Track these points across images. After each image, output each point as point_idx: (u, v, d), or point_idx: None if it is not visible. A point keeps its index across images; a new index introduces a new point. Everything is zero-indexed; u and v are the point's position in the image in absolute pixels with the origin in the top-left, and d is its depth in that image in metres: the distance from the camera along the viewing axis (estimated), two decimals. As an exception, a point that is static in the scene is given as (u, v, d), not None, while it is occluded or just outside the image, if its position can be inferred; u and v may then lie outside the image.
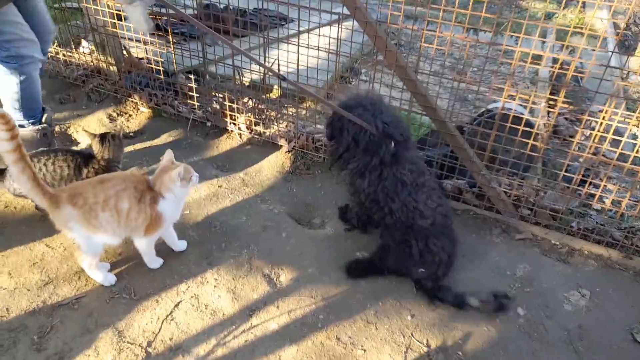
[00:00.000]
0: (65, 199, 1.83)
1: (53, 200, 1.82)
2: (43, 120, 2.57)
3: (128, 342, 1.84)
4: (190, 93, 3.09)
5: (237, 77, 3.07)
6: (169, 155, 1.98)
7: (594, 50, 4.07)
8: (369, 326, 1.96)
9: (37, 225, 2.28)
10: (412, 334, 1.94)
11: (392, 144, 1.99)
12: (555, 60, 3.88)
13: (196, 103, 3.09)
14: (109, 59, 3.28)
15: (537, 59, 3.86)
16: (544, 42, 4.57)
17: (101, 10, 3.00)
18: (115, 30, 3.08)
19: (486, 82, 3.43)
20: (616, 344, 1.94)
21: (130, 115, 3.20)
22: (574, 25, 4.78)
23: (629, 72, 1.99)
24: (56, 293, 2.01)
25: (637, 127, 2.86)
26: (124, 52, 3.30)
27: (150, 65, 3.20)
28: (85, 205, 1.84)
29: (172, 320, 1.93)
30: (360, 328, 1.95)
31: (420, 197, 2.04)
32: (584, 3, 5.88)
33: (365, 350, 1.86)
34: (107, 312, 1.94)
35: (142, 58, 3.40)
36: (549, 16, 5.42)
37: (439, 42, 4.06)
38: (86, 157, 2.27)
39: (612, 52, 2.08)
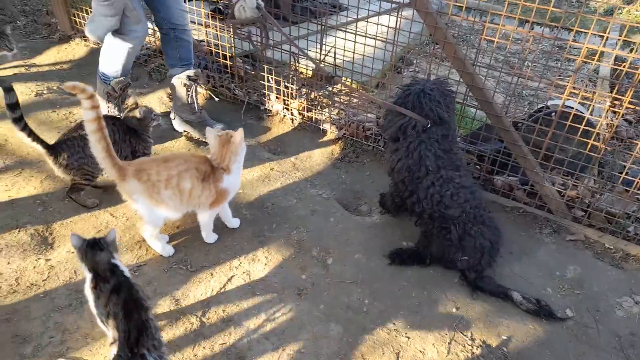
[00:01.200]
0: (132, 173, 1.95)
1: (121, 173, 1.94)
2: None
3: (184, 311, 1.95)
4: (246, 76, 3.16)
5: (292, 63, 3.12)
6: (240, 134, 2.05)
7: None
8: (414, 315, 1.99)
9: (103, 196, 2.43)
10: (456, 326, 1.95)
11: (422, 124, 2.06)
12: (619, 59, 3.71)
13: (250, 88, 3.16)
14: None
15: (597, 56, 3.71)
16: (606, 40, 4.36)
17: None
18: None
19: (547, 78, 3.33)
20: (669, 354, 1.89)
21: (187, 96, 3.32)
22: (637, 21, 4.53)
23: None
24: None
25: None
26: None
27: (210, 48, 3.30)
28: (149, 181, 1.95)
29: (225, 293, 2.03)
30: (404, 315, 1.98)
31: (445, 190, 2.05)
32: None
33: (409, 338, 1.90)
34: (165, 281, 2.06)
35: (202, 40, 3.50)
36: (610, 11, 5.17)
37: (500, 36, 3.98)
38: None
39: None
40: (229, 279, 2.09)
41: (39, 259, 2.13)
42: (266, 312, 1.96)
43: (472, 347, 1.87)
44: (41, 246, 2.19)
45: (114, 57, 2.65)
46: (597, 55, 2.07)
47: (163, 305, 1.96)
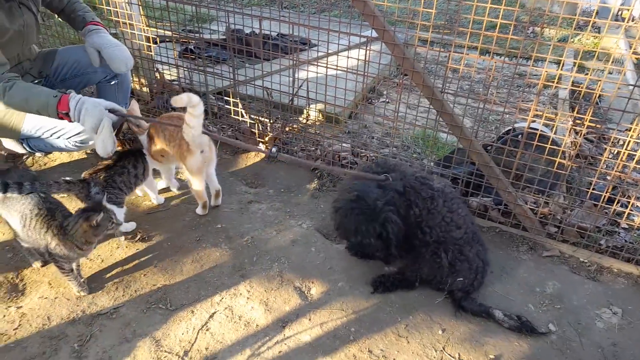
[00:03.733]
0: None
1: None
2: None
3: (165, 351, 1.88)
4: (220, 113, 3.19)
5: (266, 97, 3.17)
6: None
7: (610, 73, 4.11)
8: (401, 340, 1.97)
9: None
10: (443, 348, 1.95)
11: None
12: (575, 82, 3.93)
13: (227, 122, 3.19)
14: (142, 80, 3.42)
15: (556, 80, 3.91)
16: (562, 65, 4.63)
17: (137, 34, 3.15)
18: (149, 53, 3.22)
19: (511, 103, 3.48)
20: (651, 362, 1.93)
21: (161, 134, 3.31)
22: (589, 48, 4.83)
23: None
24: (95, 303, 2.07)
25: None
26: (156, 74, 3.44)
27: (181, 87, 3.33)
28: None
29: (207, 330, 1.97)
30: (391, 341, 1.96)
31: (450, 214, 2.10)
32: (598, 28, 5.96)
33: (397, 364, 1.88)
34: (145, 322, 1.99)
35: (174, 80, 3.53)
36: (564, 40, 5.49)
37: (464, 66, 4.16)
38: None
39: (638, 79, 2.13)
40: (211, 316, 2.04)
41: (9, 307, 2.03)
42: (251, 347, 1.91)
43: (461, 369, 1.87)
44: (11, 293, 2.10)
45: None
46: (556, 78, 2.18)
47: (143, 347, 1.88)
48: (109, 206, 2.02)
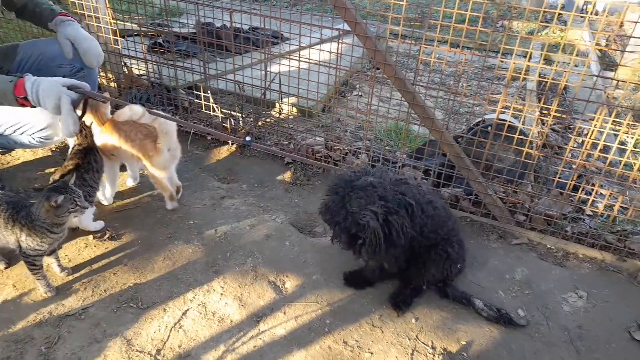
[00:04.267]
0: None
1: None
2: None
3: (137, 351, 1.84)
4: (191, 107, 3.14)
5: (237, 91, 3.14)
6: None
7: (576, 66, 4.23)
8: (375, 330, 1.99)
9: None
10: (417, 337, 1.97)
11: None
12: (542, 74, 4.03)
13: (198, 116, 3.14)
14: (109, 75, 3.33)
15: (524, 72, 4.00)
16: (530, 56, 4.73)
17: (104, 27, 3.07)
18: (116, 47, 3.14)
19: (481, 95, 3.54)
20: (615, 343, 2.00)
21: (130, 130, 3.24)
22: (555, 42, 4.96)
23: (618, 82, 2.10)
24: (62, 304, 2.01)
25: (627, 134, 2.97)
26: (124, 68, 3.36)
27: (151, 81, 3.26)
28: None
29: (180, 328, 1.95)
30: (366, 332, 1.98)
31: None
32: (564, 21, 6.11)
33: (372, 354, 1.89)
34: (115, 322, 1.95)
35: (142, 75, 3.46)
36: (531, 32, 5.62)
37: (435, 59, 4.20)
38: None
39: (600, 70, 2.20)
40: (184, 313, 2.01)
41: (-29, 310, 1.96)
42: (225, 343, 1.89)
43: (434, 356, 1.89)
44: (-27, 297, 2.02)
45: None
46: (524, 70, 2.23)
47: (113, 347, 1.84)
48: (77, 190, 1.95)
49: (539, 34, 5.44)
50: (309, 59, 2.64)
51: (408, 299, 2.11)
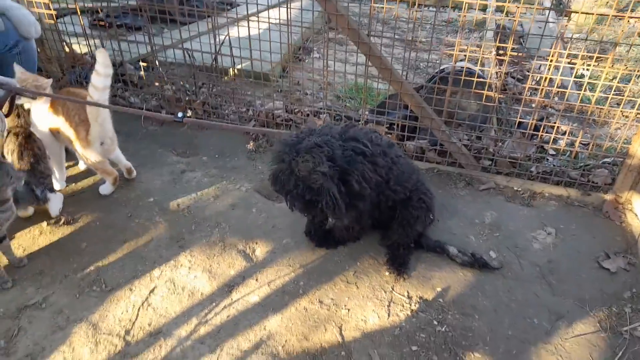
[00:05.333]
0: None
1: None
2: None
3: (104, 334, 1.76)
4: (141, 82, 2.98)
5: (188, 61, 2.98)
6: None
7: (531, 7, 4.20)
8: (350, 286, 1.96)
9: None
10: (392, 289, 1.96)
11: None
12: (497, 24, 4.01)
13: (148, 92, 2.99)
14: (48, 54, 3.11)
15: (481, 24, 3.97)
16: (485, 9, 4.71)
17: (35, 1, 2.84)
18: (50, 22, 2.92)
19: (436, 47, 3.49)
20: (585, 273, 2.04)
21: (78, 112, 3.06)
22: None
23: (570, 13, 2.08)
24: (20, 295, 1.90)
25: (583, 68, 2.98)
26: (65, 47, 3.14)
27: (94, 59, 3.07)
28: None
29: (148, 306, 1.87)
30: (341, 289, 1.95)
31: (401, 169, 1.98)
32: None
33: (349, 310, 1.87)
34: (78, 307, 1.85)
35: (85, 53, 3.25)
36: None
37: (387, 17, 4.11)
38: None
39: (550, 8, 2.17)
40: (152, 291, 1.93)
41: None
42: (197, 316, 1.83)
43: (411, 305, 1.89)
44: None
45: None
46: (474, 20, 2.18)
47: (79, 333, 1.75)
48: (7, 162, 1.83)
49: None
50: (258, 22, 2.51)
51: (406, 260, 2.06)
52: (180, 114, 1.97)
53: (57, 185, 2.39)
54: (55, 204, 2.20)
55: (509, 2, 2.04)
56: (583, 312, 1.87)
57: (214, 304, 1.88)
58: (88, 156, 2.23)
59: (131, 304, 1.87)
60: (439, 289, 1.95)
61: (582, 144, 2.58)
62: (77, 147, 2.21)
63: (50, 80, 2.19)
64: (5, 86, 1.91)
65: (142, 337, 1.75)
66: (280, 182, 1.73)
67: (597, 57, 2.26)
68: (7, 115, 2.05)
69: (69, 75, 3.11)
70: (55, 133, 2.26)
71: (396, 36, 3.83)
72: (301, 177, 1.66)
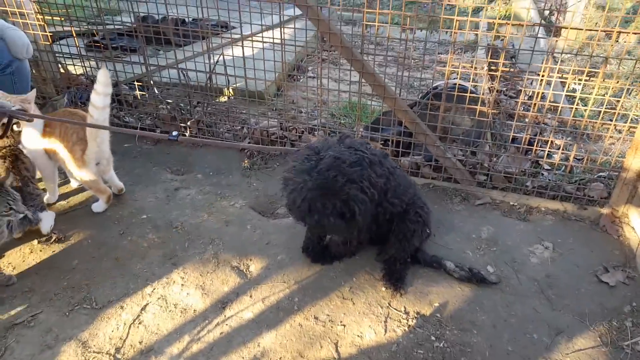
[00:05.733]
0: None
1: None
2: None
3: (94, 352, 1.71)
4: (136, 102, 2.99)
5: (183, 80, 3.01)
6: None
7: (517, 32, 4.27)
8: (346, 302, 1.93)
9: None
10: (389, 304, 1.92)
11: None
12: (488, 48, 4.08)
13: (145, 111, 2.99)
14: (43, 75, 3.13)
15: (473, 45, 4.04)
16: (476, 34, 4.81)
17: (30, 23, 2.87)
18: (46, 43, 2.95)
19: (428, 65, 3.54)
20: (584, 287, 2.01)
21: (73, 131, 3.05)
22: (501, 16, 5.05)
23: (560, 29, 2.12)
24: (8, 313, 1.85)
25: (575, 82, 3.01)
26: (60, 68, 3.17)
27: (90, 79, 3.09)
28: None
29: (140, 324, 1.82)
30: (337, 305, 1.91)
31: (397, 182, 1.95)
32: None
33: (345, 326, 1.83)
34: (68, 325, 1.81)
35: (81, 74, 3.27)
36: (478, 10, 5.71)
37: (380, 41, 4.17)
38: None
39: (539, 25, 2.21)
40: (143, 308, 1.88)
41: None
42: (190, 333, 1.78)
43: (408, 320, 1.85)
44: None
45: None
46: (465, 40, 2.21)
47: (67, 352, 1.70)
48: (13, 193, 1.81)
49: (485, 10, 5.54)
50: (252, 42, 2.54)
51: (402, 275, 2.02)
52: (175, 133, 1.98)
53: (51, 199, 2.38)
54: (46, 222, 2.17)
55: (499, 19, 2.08)
56: (583, 327, 1.84)
57: (206, 321, 1.84)
58: (82, 176, 2.21)
59: (122, 322, 1.83)
60: (436, 304, 1.92)
61: (577, 159, 2.59)
62: (71, 167, 2.20)
63: (34, 91, 2.19)
64: (0, 109, 1.91)
65: (132, 355, 1.70)
66: (317, 210, 1.62)
67: (589, 72, 2.29)
68: (1, 137, 2.04)
69: (64, 95, 3.12)
70: (50, 153, 2.24)
71: (389, 56, 3.88)
72: (343, 198, 1.60)
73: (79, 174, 2.22)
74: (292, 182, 1.67)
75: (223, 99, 3.31)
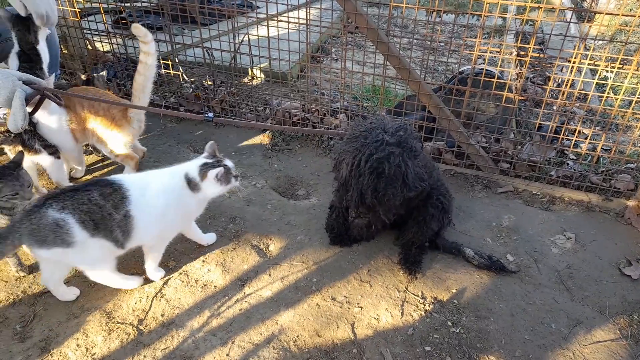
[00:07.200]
0: None
1: None
2: None
3: (118, 322, 1.77)
4: (161, 80, 3.02)
5: (207, 59, 3.02)
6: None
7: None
8: (364, 284, 1.94)
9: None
10: (406, 288, 1.93)
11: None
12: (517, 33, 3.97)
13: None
14: (71, 52, 3.18)
15: (501, 30, 3.93)
16: (504, 18, 4.68)
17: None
18: (75, 19, 2.99)
19: (455, 49, 3.47)
20: (605, 279, 1.98)
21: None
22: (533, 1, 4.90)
23: (594, 13, 2.04)
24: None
25: (607, 70, 2.92)
26: (87, 45, 3.21)
27: (117, 56, 3.12)
28: None
29: (162, 297, 1.87)
30: (354, 287, 1.93)
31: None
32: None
33: (362, 308, 1.85)
34: (93, 296, 1.87)
35: (107, 51, 3.31)
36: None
37: (405, 23, 4.10)
38: None
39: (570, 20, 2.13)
40: (166, 282, 1.93)
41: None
42: (210, 309, 1.83)
43: (425, 305, 1.86)
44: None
45: None
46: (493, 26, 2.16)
47: (92, 321, 1.77)
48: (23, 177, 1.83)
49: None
50: (278, 22, 2.53)
51: (418, 259, 2.02)
52: (210, 114, 2.03)
53: (79, 174, 2.45)
54: None
55: (531, 1, 2.02)
56: (603, 319, 1.82)
57: (226, 297, 1.88)
58: (121, 140, 2.27)
59: (145, 295, 1.88)
60: (454, 290, 1.92)
61: (604, 149, 2.53)
62: (110, 135, 2.25)
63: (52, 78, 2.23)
64: (34, 86, 1.95)
65: (154, 327, 1.76)
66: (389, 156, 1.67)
67: (622, 59, 2.21)
68: (32, 114, 2.08)
69: (92, 72, 3.17)
70: (77, 133, 2.27)
71: (415, 39, 3.82)
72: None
73: (117, 139, 2.27)
74: (371, 136, 1.71)
75: (256, 81, 3.31)
